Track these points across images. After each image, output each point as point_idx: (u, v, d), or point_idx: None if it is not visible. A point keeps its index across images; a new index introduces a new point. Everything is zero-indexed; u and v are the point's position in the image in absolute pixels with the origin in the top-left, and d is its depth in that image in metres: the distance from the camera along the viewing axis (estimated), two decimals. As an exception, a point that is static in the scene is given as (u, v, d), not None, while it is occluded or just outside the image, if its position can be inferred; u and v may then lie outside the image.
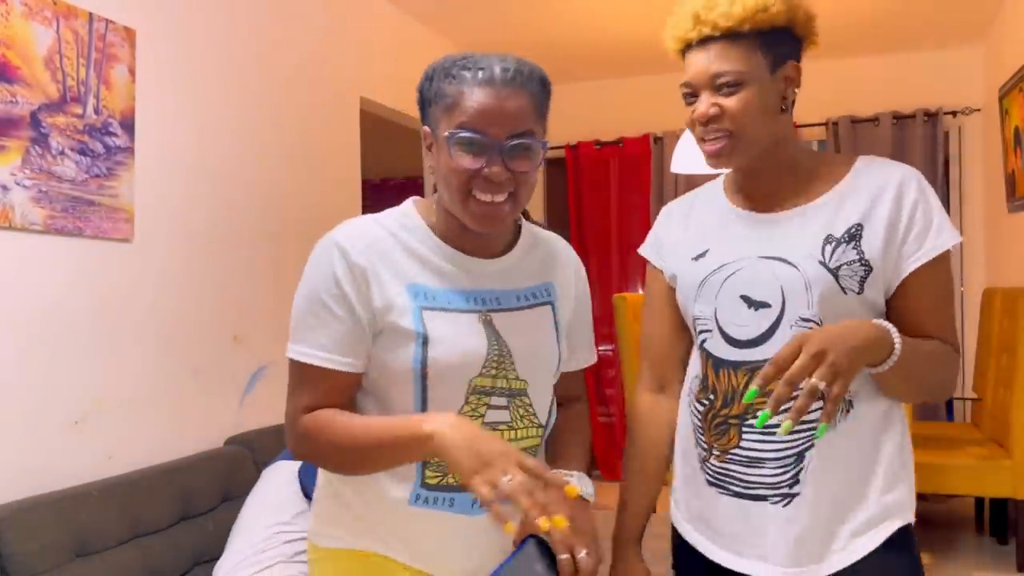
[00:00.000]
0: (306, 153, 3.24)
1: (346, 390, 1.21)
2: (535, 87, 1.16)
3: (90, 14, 2.25)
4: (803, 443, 1.19)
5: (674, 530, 1.38)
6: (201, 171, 2.69)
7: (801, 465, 1.20)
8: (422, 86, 1.20)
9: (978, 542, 3.93)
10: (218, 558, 2.19)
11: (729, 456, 1.25)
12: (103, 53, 2.29)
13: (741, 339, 1.25)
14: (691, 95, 1.27)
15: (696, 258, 1.33)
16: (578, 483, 1.19)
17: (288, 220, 3.11)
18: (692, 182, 5.22)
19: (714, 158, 1.26)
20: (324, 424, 1.17)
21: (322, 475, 1.32)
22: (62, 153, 2.16)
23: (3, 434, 2.02)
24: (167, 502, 2.24)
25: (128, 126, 2.37)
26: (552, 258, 1.34)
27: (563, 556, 1.09)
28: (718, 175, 1.44)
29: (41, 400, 2.12)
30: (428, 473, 1.20)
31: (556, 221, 5.71)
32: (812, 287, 1.20)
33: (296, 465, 2.22)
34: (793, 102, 1.30)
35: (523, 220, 1.36)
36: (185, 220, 2.61)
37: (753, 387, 1.06)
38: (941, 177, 4.74)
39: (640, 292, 5.27)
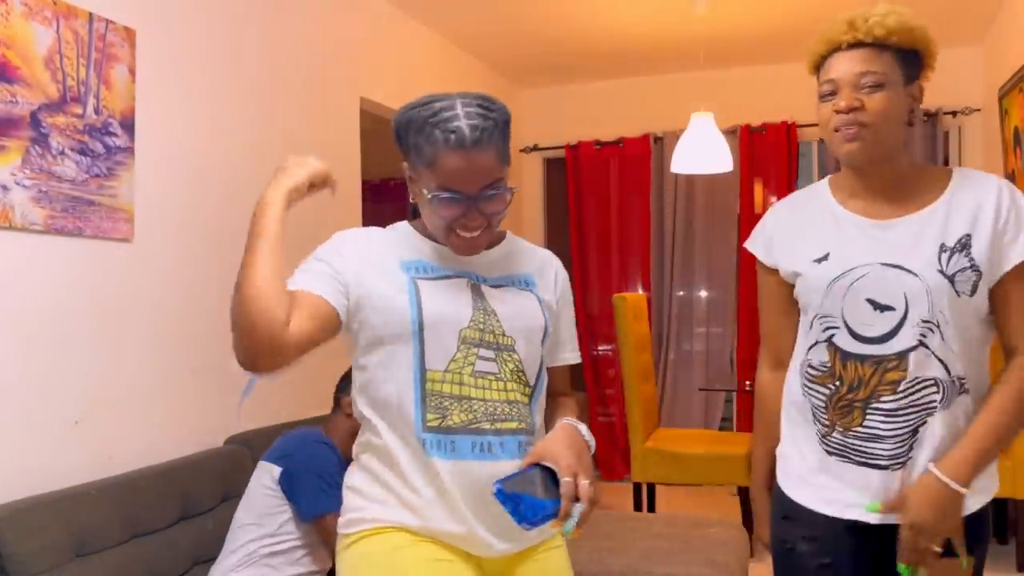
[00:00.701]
0: (306, 153, 3.22)
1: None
2: (499, 137, 1.33)
3: (90, 14, 2.25)
4: (917, 421, 1.41)
5: (783, 494, 1.57)
6: (201, 171, 2.69)
7: (916, 438, 1.41)
8: (398, 131, 1.36)
9: (978, 542, 3.92)
10: (217, 558, 2.19)
11: (852, 432, 1.45)
12: (103, 53, 2.29)
13: (869, 336, 1.43)
14: (831, 93, 1.44)
15: (818, 260, 1.49)
16: (578, 426, 1.38)
17: (288, 220, 3.10)
18: (692, 182, 5.22)
19: (847, 144, 1.42)
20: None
21: (352, 472, 1.45)
22: (62, 153, 2.16)
23: (3, 434, 2.02)
24: (166, 502, 2.24)
25: (128, 126, 2.37)
26: (532, 259, 1.51)
27: (567, 479, 1.24)
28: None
29: (41, 400, 2.12)
30: (428, 416, 1.33)
31: (556, 221, 5.71)
32: (932, 293, 1.39)
33: (276, 471, 2.17)
34: (916, 116, 1.47)
35: (508, 234, 1.53)
36: (185, 220, 2.61)
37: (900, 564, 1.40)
38: (941, 177, 4.74)
39: (640, 292, 5.27)
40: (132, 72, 2.39)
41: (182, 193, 2.61)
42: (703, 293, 5.30)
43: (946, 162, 4.81)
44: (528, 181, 5.66)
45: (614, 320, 4.03)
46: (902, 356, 1.40)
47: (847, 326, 1.45)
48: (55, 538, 1.91)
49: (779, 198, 5.00)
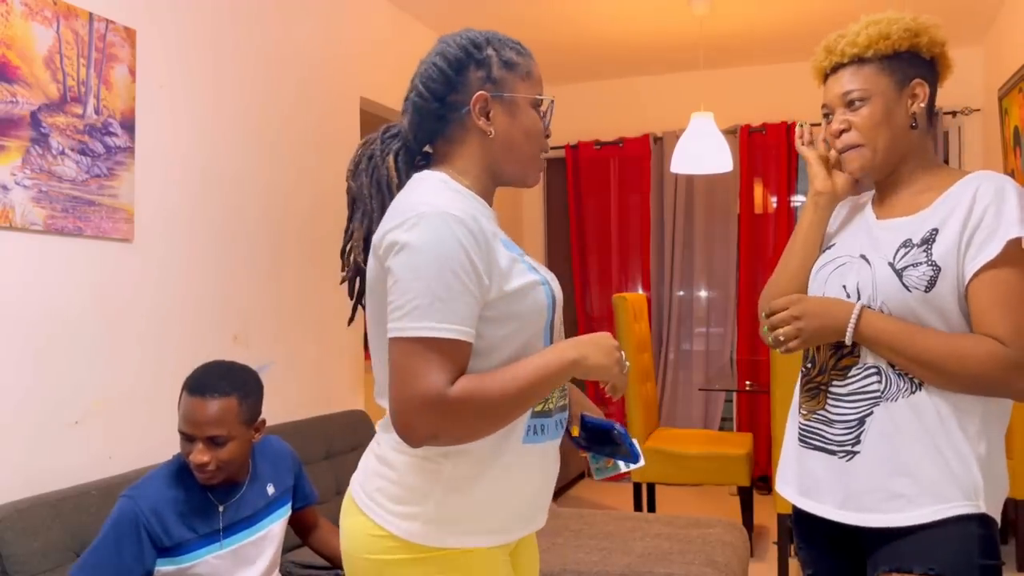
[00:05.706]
0: (306, 153, 3.23)
1: (465, 364, 1.20)
2: None
3: (90, 14, 2.25)
4: (864, 410, 1.41)
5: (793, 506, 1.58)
6: (201, 171, 2.69)
7: (863, 428, 1.41)
8: (472, 55, 1.30)
9: (978, 542, 3.92)
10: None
11: (815, 416, 1.48)
12: (103, 53, 2.29)
13: None
14: (827, 116, 1.50)
15: (825, 249, 1.55)
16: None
17: (288, 220, 3.11)
18: (692, 182, 5.22)
19: (850, 164, 1.47)
20: (476, 386, 1.18)
21: (426, 476, 1.26)
22: (62, 153, 2.16)
23: (3, 434, 2.02)
24: (167, 502, 2.24)
25: (128, 126, 2.37)
26: None
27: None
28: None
29: (41, 400, 2.12)
30: None
31: (556, 221, 5.71)
32: (877, 285, 1.40)
33: None
34: (921, 118, 1.46)
35: None
36: (185, 220, 2.61)
37: (763, 321, 1.47)
38: (941, 177, 4.74)
39: (640, 292, 5.27)
40: (132, 72, 2.39)
41: (182, 193, 2.61)
42: (703, 293, 5.30)
43: (946, 162, 4.81)
44: (528, 181, 5.65)
45: (614, 320, 4.03)
46: (855, 343, 1.42)
47: None
48: (55, 538, 1.91)
49: (779, 198, 5.08)
